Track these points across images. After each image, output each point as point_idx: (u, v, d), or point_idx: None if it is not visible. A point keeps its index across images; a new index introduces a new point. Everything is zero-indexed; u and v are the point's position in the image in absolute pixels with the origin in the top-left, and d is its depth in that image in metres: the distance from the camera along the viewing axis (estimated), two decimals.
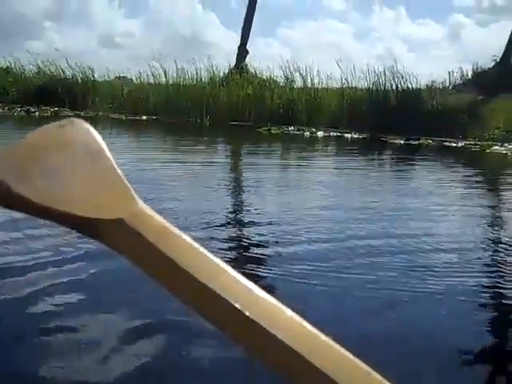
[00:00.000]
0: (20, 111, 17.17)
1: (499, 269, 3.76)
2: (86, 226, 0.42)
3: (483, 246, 4.32)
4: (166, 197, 5.33)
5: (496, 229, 5.12)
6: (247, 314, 0.41)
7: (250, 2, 21.69)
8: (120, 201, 0.43)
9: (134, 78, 20.27)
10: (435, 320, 2.93)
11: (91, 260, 3.28)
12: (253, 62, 20.28)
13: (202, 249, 0.43)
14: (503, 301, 3.29)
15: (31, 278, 3.01)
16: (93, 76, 19.88)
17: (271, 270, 3.46)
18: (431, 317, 2.96)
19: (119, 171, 0.44)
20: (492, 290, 3.46)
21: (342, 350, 0.42)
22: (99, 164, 0.43)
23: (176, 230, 0.43)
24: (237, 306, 0.41)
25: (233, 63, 20.82)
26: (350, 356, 0.43)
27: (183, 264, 0.42)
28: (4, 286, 2.89)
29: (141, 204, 0.43)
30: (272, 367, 0.42)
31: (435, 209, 5.75)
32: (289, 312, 0.43)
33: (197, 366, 2.24)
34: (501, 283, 3.53)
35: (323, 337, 0.43)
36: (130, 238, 0.42)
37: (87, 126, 0.45)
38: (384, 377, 0.43)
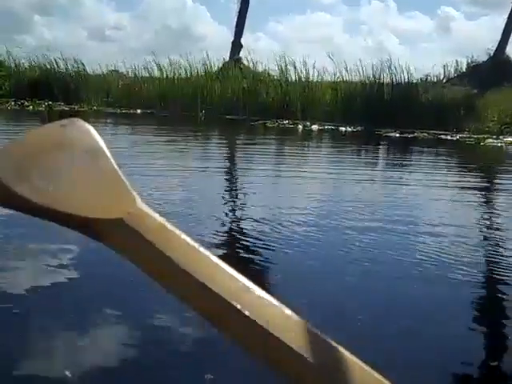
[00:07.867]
0: (14, 105, 17.06)
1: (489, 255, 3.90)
2: (85, 226, 0.42)
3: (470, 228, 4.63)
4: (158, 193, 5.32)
5: (486, 214, 5.46)
6: (246, 313, 0.41)
7: None
8: (119, 200, 0.43)
9: (125, 72, 20.22)
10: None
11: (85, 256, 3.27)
12: (247, 56, 20.26)
13: (201, 248, 0.43)
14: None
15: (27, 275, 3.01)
16: (86, 70, 19.83)
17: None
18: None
19: (119, 171, 0.44)
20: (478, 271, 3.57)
21: (341, 349, 0.43)
22: (99, 164, 0.43)
23: (175, 230, 0.43)
24: (236, 305, 0.41)
25: (226, 57, 20.76)
26: (349, 354, 0.43)
27: (182, 263, 0.42)
28: None
29: (140, 204, 0.43)
30: (271, 366, 0.42)
31: (430, 197, 6.10)
32: (288, 311, 0.43)
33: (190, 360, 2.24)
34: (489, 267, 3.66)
35: (322, 336, 0.43)
36: (130, 238, 0.42)
37: (88, 126, 0.44)
38: (382, 375, 0.43)
